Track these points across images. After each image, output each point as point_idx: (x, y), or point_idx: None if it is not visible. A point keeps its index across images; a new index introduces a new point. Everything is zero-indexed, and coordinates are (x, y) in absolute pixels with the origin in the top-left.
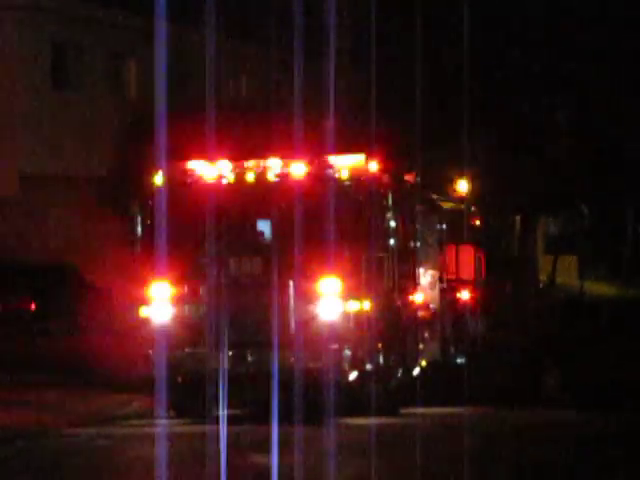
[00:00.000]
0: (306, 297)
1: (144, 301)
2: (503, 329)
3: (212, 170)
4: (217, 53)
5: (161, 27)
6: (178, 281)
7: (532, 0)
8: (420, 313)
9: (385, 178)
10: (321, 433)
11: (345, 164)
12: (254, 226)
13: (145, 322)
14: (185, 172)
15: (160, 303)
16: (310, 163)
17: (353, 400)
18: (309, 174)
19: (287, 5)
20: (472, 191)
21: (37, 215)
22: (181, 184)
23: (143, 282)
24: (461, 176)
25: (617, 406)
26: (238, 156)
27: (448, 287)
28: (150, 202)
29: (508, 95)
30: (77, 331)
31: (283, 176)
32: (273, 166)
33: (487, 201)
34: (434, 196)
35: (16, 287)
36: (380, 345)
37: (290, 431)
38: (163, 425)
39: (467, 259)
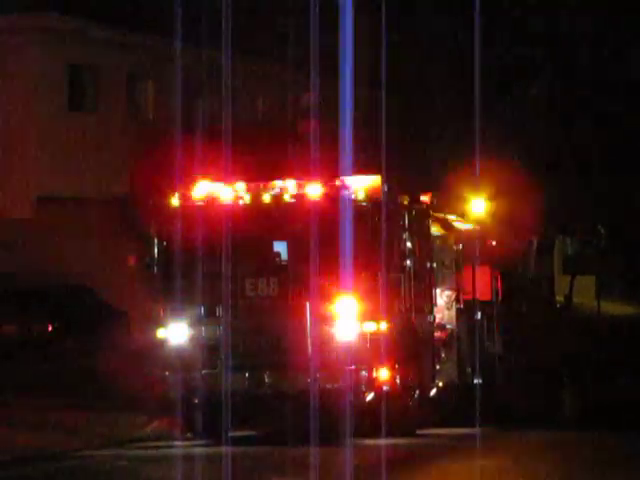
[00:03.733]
0: (322, 318)
1: (161, 323)
2: (520, 349)
3: (228, 191)
4: (233, 73)
5: (177, 49)
6: (194, 302)
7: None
8: (437, 333)
9: (401, 199)
10: (338, 454)
11: (361, 185)
12: (270, 247)
13: (162, 343)
14: (201, 193)
15: (176, 325)
16: (326, 184)
17: (370, 421)
18: (325, 195)
19: (304, 25)
20: (488, 211)
21: (53, 237)
22: (197, 205)
23: (160, 304)
24: (477, 196)
25: (637, 426)
26: (254, 177)
27: (465, 307)
28: (166, 223)
29: (525, 114)
30: (94, 353)
31: (299, 197)
32: (289, 187)
33: (503, 221)
34: (450, 216)
35: (33, 309)
36: (397, 366)
37: (307, 452)
38: (180, 447)
39: (483, 279)
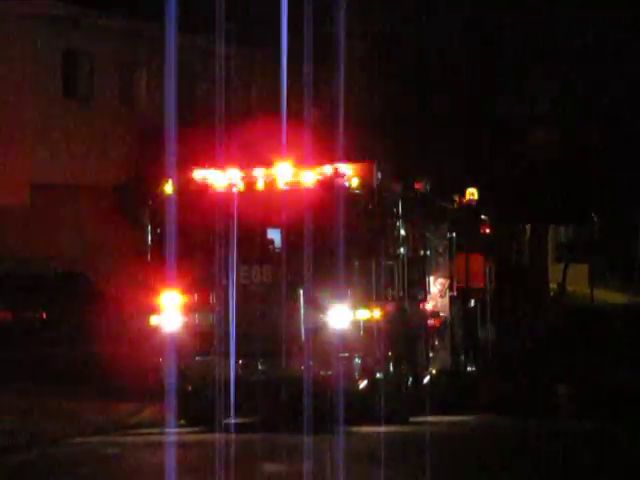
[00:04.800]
0: (316, 305)
1: (154, 310)
2: (513, 337)
3: (222, 178)
4: (227, 61)
5: (171, 36)
6: (188, 290)
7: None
8: (430, 321)
9: (395, 186)
10: (331, 441)
11: (355, 172)
12: (264, 234)
13: (155, 331)
14: (195, 180)
15: (170, 312)
16: (320, 171)
17: (363, 408)
18: (319, 182)
19: (298, 13)
20: (482, 199)
21: (48, 224)
22: (191, 193)
23: (153, 291)
24: (471, 184)
25: (630, 415)
26: (248, 164)
27: (458, 295)
28: (160, 211)
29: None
30: (88, 340)
31: (293, 184)
32: (283, 174)
33: (497, 209)
34: (444, 204)
35: (27, 296)
36: (390, 353)
37: (300, 439)
38: (173, 434)
39: (477, 267)
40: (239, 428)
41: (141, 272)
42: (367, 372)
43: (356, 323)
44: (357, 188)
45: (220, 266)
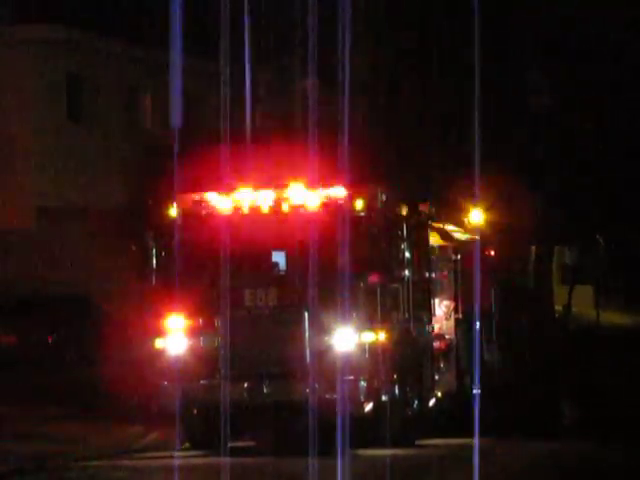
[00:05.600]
0: (321, 328)
1: (160, 333)
2: (519, 359)
3: (226, 201)
4: (231, 83)
5: (176, 60)
6: (193, 313)
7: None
8: (435, 344)
9: (399, 209)
10: (336, 465)
11: (359, 195)
12: (268, 257)
13: (160, 354)
14: (199, 203)
15: (175, 335)
16: (324, 194)
17: (369, 431)
18: (323, 205)
19: (303, 36)
20: (487, 221)
21: (53, 247)
22: (195, 215)
23: (159, 314)
24: (475, 206)
25: (635, 437)
26: (252, 187)
27: (463, 318)
28: (165, 234)
29: (522, 126)
30: (93, 363)
31: (297, 207)
32: (287, 197)
33: (502, 231)
34: (449, 226)
35: (33, 319)
36: (395, 376)
37: (305, 463)
38: (178, 457)
39: (482, 289)
40: (244, 451)
41: (146, 295)
42: (372, 395)
43: (361, 346)
44: (362, 210)
45: (224, 289)
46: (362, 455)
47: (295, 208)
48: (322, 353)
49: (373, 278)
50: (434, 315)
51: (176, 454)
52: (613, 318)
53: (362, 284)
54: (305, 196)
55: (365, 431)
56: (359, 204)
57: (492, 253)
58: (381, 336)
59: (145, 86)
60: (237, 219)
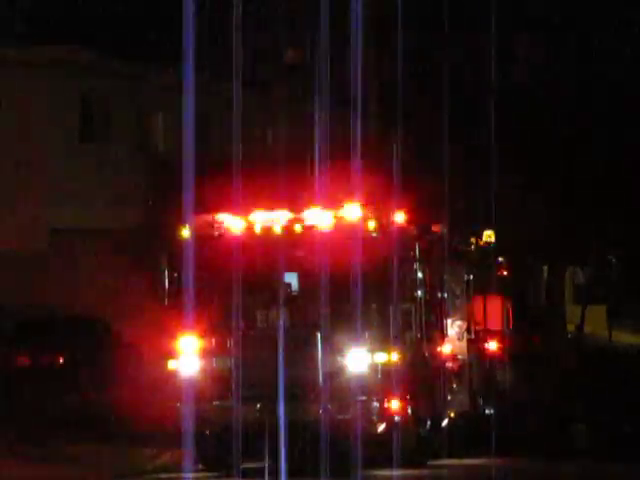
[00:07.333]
0: (334, 349)
1: (172, 354)
2: (532, 379)
3: (240, 222)
4: (244, 104)
5: (189, 82)
6: (206, 334)
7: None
8: (448, 364)
9: (412, 229)
10: None
11: (372, 215)
12: (281, 278)
13: (173, 375)
14: (212, 225)
15: (188, 356)
16: (337, 214)
17: (381, 452)
18: (336, 225)
19: (314, 57)
20: (499, 241)
21: (67, 269)
22: (208, 237)
23: (171, 335)
24: (488, 226)
25: None
26: (265, 208)
27: (476, 338)
28: (178, 255)
29: (536, 144)
30: (106, 385)
31: (309, 228)
32: (300, 218)
33: (514, 251)
34: (461, 246)
35: (45, 341)
36: (408, 396)
37: None
38: (192, 478)
39: (495, 309)
40: (257, 473)
41: (159, 317)
42: (385, 415)
43: (374, 366)
44: (374, 231)
45: (237, 310)
46: (375, 476)
47: (309, 229)
48: (335, 374)
49: (385, 298)
50: (447, 335)
51: (189, 476)
52: (626, 338)
53: (375, 304)
54: (319, 217)
55: (378, 451)
56: (372, 225)
57: (504, 273)
58: (394, 357)
59: (158, 107)
60: (251, 240)
